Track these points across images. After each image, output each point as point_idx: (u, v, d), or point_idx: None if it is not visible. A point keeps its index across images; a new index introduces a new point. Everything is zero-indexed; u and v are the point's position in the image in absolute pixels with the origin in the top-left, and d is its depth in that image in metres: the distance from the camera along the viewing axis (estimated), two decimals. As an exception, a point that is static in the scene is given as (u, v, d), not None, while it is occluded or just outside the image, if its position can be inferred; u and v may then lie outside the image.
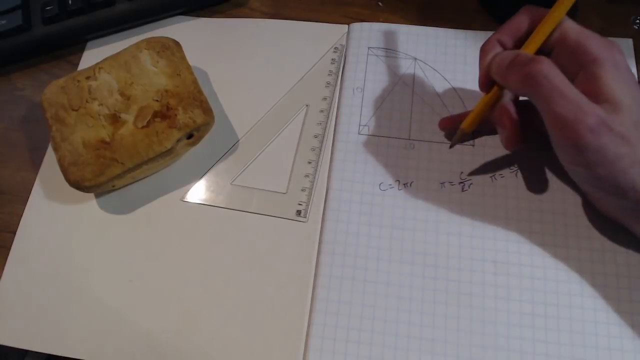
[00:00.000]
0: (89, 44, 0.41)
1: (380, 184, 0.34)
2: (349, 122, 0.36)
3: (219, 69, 0.39)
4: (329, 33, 0.39)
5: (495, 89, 0.30)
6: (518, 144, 0.30)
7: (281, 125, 0.37)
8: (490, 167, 0.34)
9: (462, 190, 0.33)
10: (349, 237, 0.32)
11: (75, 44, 0.41)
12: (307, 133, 0.36)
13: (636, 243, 0.31)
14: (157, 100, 0.33)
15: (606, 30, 0.37)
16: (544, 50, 0.28)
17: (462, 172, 0.34)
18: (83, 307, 0.32)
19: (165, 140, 0.32)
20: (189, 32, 0.40)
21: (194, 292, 0.32)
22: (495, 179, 0.33)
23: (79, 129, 0.33)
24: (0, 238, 0.35)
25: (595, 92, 0.26)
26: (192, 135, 0.34)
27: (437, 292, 0.31)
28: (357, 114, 0.36)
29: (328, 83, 0.38)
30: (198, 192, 0.35)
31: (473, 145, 0.35)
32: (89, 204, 0.35)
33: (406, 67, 0.37)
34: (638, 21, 0.37)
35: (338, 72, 0.38)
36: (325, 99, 0.37)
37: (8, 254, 0.34)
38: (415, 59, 0.38)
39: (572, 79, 0.26)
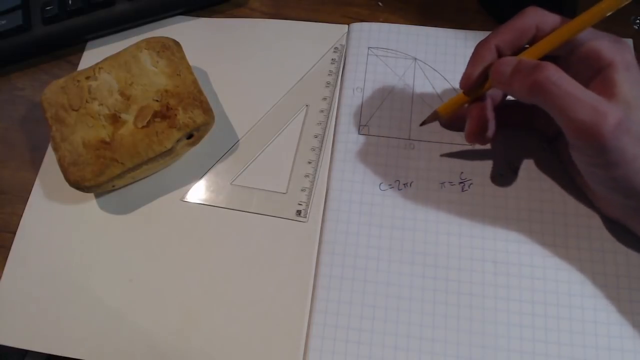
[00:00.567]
0: (89, 44, 0.41)
1: (380, 184, 0.34)
2: (349, 122, 0.36)
3: (219, 69, 0.39)
4: (329, 33, 0.39)
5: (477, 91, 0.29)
6: (477, 138, 0.30)
7: (281, 125, 0.37)
8: (490, 167, 0.34)
9: (462, 190, 0.33)
10: (349, 237, 0.32)
11: (75, 44, 0.41)
12: (307, 133, 0.36)
13: (636, 243, 0.31)
14: (157, 100, 0.33)
15: (606, 30, 0.37)
16: (549, 57, 0.28)
17: (462, 172, 0.34)
18: (83, 307, 0.32)
19: (165, 140, 0.32)
20: (189, 32, 0.40)
21: (194, 292, 0.32)
22: (495, 179, 0.33)
23: (79, 129, 0.33)
24: (0, 238, 0.35)
25: (609, 95, 0.25)
26: (192, 135, 0.34)
27: (437, 292, 0.31)
28: (357, 114, 0.36)
29: (328, 83, 0.38)
30: (198, 192, 0.35)
31: (473, 145, 0.35)
32: (89, 204, 0.35)
33: (406, 67, 0.37)
34: (638, 21, 0.37)
35: (338, 72, 0.38)
36: (325, 99, 0.37)
37: (8, 254, 0.34)
38: (415, 59, 0.38)
39: (585, 84, 0.26)
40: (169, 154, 0.33)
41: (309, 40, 0.39)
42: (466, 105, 0.30)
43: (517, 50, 0.28)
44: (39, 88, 0.40)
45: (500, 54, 0.28)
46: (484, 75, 0.29)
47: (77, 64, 0.40)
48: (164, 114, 0.33)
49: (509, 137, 0.34)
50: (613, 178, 0.26)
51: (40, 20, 0.39)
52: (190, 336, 0.31)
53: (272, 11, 0.41)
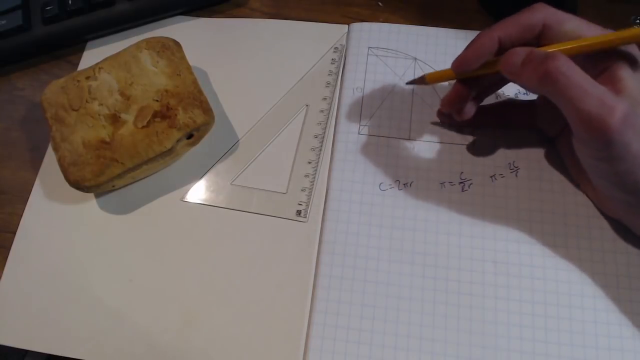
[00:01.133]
0: (89, 44, 0.41)
1: (380, 184, 0.34)
2: (349, 122, 0.36)
3: (219, 69, 0.39)
4: (329, 33, 0.39)
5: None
6: (451, 106, 0.30)
7: (281, 125, 0.37)
8: (490, 167, 0.34)
9: (462, 190, 0.33)
10: (349, 237, 0.32)
11: (75, 44, 0.41)
12: (307, 133, 0.36)
13: (637, 243, 0.31)
14: (157, 100, 0.33)
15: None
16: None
17: (462, 172, 0.34)
18: (83, 307, 0.32)
19: (165, 140, 0.32)
20: (189, 32, 0.40)
21: (194, 292, 0.32)
22: (495, 179, 0.33)
23: (79, 129, 0.33)
24: (0, 238, 0.35)
25: (615, 91, 0.26)
26: (192, 135, 0.34)
27: (437, 292, 0.31)
28: (357, 114, 0.36)
29: (328, 83, 0.38)
30: (198, 192, 0.35)
31: (473, 145, 0.35)
32: (89, 204, 0.35)
33: (406, 67, 0.37)
34: (638, 21, 0.37)
35: (338, 72, 0.38)
36: (325, 99, 0.37)
37: (8, 254, 0.34)
38: (415, 59, 0.38)
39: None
40: (169, 154, 0.33)
41: (309, 40, 0.39)
42: (451, 82, 0.31)
43: (520, 44, 0.28)
44: (39, 88, 0.40)
45: (501, 47, 0.28)
46: (478, 63, 0.28)
47: (77, 64, 0.40)
48: (164, 114, 0.33)
49: (509, 137, 0.34)
50: (616, 172, 0.26)
51: (40, 20, 0.39)
52: (190, 336, 0.31)
53: (272, 11, 0.41)
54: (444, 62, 0.37)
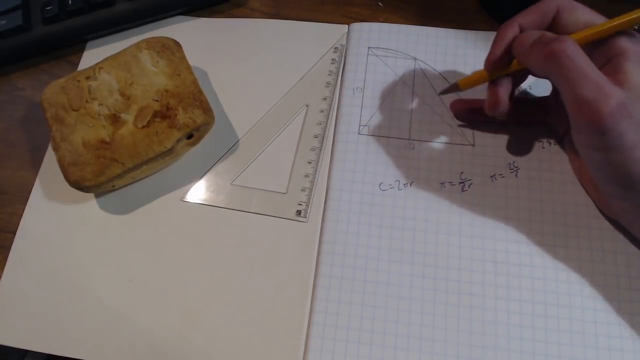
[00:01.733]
0: (89, 44, 0.41)
1: (380, 184, 0.34)
2: (349, 122, 0.36)
3: (219, 69, 0.39)
4: (329, 33, 0.39)
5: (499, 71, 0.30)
6: (495, 109, 0.30)
7: (281, 125, 0.37)
8: (490, 167, 0.34)
9: (462, 190, 0.33)
10: (349, 237, 0.32)
11: (75, 44, 0.41)
12: (307, 133, 0.36)
13: (637, 243, 0.31)
14: (157, 100, 0.33)
15: (606, 30, 0.37)
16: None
17: (462, 172, 0.34)
18: (83, 307, 0.32)
19: (165, 140, 0.32)
20: (189, 32, 0.40)
21: (194, 292, 0.32)
22: (495, 179, 0.33)
23: (79, 129, 0.33)
24: (0, 238, 0.35)
25: (618, 82, 0.26)
26: (192, 135, 0.34)
27: (437, 292, 0.31)
28: (357, 114, 0.36)
29: (328, 83, 0.38)
30: (198, 192, 0.35)
31: (473, 145, 0.35)
32: (89, 204, 0.35)
33: (406, 67, 0.37)
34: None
35: (338, 72, 0.38)
36: (325, 99, 0.37)
37: (8, 254, 0.34)
38: (415, 59, 0.38)
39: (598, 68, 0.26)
40: (169, 154, 0.33)
41: (309, 40, 0.39)
42: (486, 83, 0.31)
43: (540, 28, 0.29)
44: (39, 88, 0.40)
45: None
46: (508, 56, 0.29)
47: (77, 64, 0.40)
48: (164, 114, 0.33)
49: (509, 137, 0.35)
50: (610, 162, 0.26)
51: (40, 20, 0.39)
52: (190, 336, 0.31)
53: (272, 11, 0.41)
54: (444, 62, 0.37)
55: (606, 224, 0.31)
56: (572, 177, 0.33)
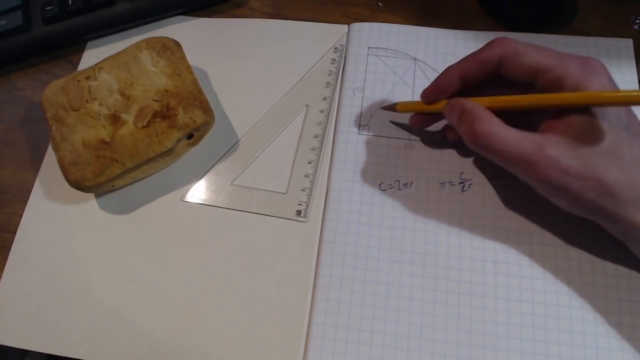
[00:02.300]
0: (89, 44, 0.41)
1: (380, 184, 0.34)
2: (349, 122, 0.36)
3: (219, 69, 0.39)
4: (329, 33, 0.39)
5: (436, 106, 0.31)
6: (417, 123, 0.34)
7: (281, 125, 0.37)
8: (490, 167, 0.34)
9: (462, 190, 0.33)
10: (349, 237, 0.32)
11: (75, 44, 0.41)
12: (307, 133, 0.36)
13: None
14: (157, 100, 0.33)
15: (606, 30, 0.37)
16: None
17: (462, 172, 0.34)
18: (83, 307, 0.32)
19: (165, 140, 0.32)
20: (189, 32, 0.40)
21: (194, 292, 0.32)
22: (495, 179, 0.33)
23: (79, 129, 0.33)
24: (0, 238, 0.35)
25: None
26: (192, 135, 0.34)
27: (437, 292, 0.31)
28: (357, 114, 0.36)
29: (328, 83, 0.38)
30: (198, 192, 0.35)
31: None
32: (89, 204, 0.35)
33: (406, 67, 0.37)
34: (638, 21, 0.37)
35: (338, 72, 0.38)
36: (325, 99, 0.37)
37: (8, 254, 0.34)
38: (415, 59, 0.38)
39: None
40: (169, 154, 0.33)
41: (309, 40, 0.39)
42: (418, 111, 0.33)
43: (482, 78, 0.29)
44: (39, 88, 0.40)
45: (464, 81, 0.30)
46: (440, 97, 0.31)
47: (77, 64, 0.40)
48: (164, 114, 0.33)
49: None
50: (566, 203, 0.28)
51: (40, 20, 0.39)
52: (190, 336, 0.31)
53: (272, 11, 0.41)
54: (444, 62, 0.37)
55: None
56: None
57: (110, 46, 0.40)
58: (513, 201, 0.33)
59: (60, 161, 0.32)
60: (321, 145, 0.36)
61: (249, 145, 0.36)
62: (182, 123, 0.33)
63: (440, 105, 0.30)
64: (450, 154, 0.34)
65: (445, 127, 0.35)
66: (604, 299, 0.30)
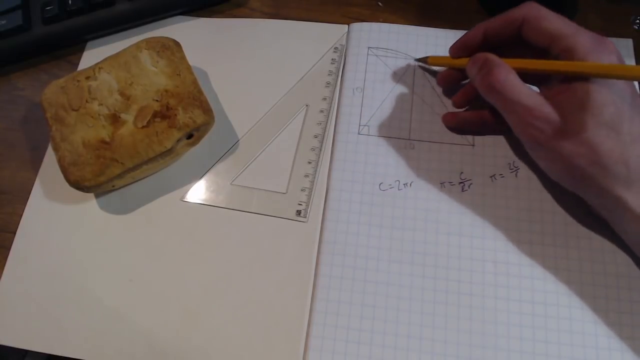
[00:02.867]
0: (89, 44, 0.41)
1: (380, 184, 0.34)
2: (349, 122, 0.36)
3: (219, 69, 0.39)
4: (329, 33, 0.39)
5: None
6: (444, 81, 0.36)
7: (281, 125, 0.37)
8: (490, 167, 0.34)
9: (462, 190, 0.33)
10: (349, 237, 0.32)
11: (75, 44, 0.41)
12: (307, 133, 0.36)
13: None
14: (157, 100, 0.33)
15: (606, 30, 0.37)
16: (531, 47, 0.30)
17: (462, 172, 0.34)
18: (83, 307, 0.32)
19: (165, 140, 0.32)
20: (189, 32, 0.40)
21: (194, 292, 0.32)
22: (495, 179, 0.33)
23: (79, 129, 0.33)
24: (0, 238, 0.35)
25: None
26: (192, 135, 0.34)
27: (437, 292, 0.31)
28: (357, 114, 0.36)
29: (328, 83, 0.38)
30: (198, 192, 0.35)
31: (473, 145, 0.35)
32: (89, 204, 0.35)
33: (406, 67, 0.37)
34: (638, 21, 0.37)
35: (338, 72, 0.38)
36: (325, 99, 0.37)
37: (8, 254, 0.34)
38: (415, 59, 0.38)
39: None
40: (169, 154, 0.33)
41: (309, 40, 0.39)
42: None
43: (504, 38, 0.30)
44: (39, 88, 0.40)
45: (487, 39, 0.31)
46: (465, 52, 0.32)
47: (77, 64, 0.40)
48: (164, 114, 0.33)
49: (509, 137, 0.35)
50: (559, 169, 0.29)
51: (40, 20, 0.39)
52: (190, 336, 0.31)
53: (272, 11, 0.41)
54: (444, 62, 0.37)
55: (606, 224, 0.31)
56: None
57: (110, 46, 0.40)
58: (513, 201, 0.33)
59: (60, 161, 0.32)
60: (321, 145, 0.36)
61: (249, 145, 0.36)
62: (182, 123, 0.33)
63: (465, 60, 0.32)
64: (450, 154, 0.34)
65: (455, 95, 0.35)
66: (604, 299, 0.30)
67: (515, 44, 0.30)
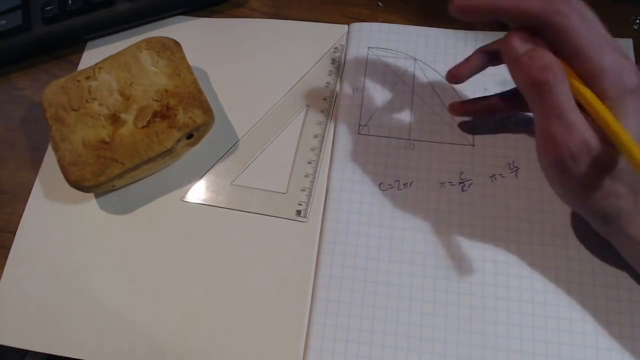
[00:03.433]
0: (89, 44, 0.41)
1: (380, 184, 0.34)
2: (349, 122, 0.36)
3: (219, 69, 0.39)
4: (329, 33, 0.39)
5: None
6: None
7: (281, 125, 0.37)
8: (490, 167, 0.34)
9: (462, 190, 0.33)
10: (349, 237, 0.32)
11: (75, 44, 0.41)
12: (307, 133, 0.36)
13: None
14: (157, 100, 0.33)
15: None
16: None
17: (462, 172, 0.34)
18: (83, 307, 0.32)
19: (165, 140, 0.32)
20: (189, 32, 0.40)
21: (194, 292, 0.32)
22: (495, 179, 0.33)
23: (79, 129, 0.33)
24: (0, 238, 0.35)
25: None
26: (192, 135, 0.34)
27: (437, 292, 0.31)
28: (357, 114, 0.36)
29: (328, 83, 0.38)
30: (198, 192, 0.35)
31: (473, 145, 0.35)
32: (89, 204, 0.35)
33: (406, 67, 0.37)
34: (638, 21, 0.37)
35: (338, 72, 0.38)
36: (325, 99, 0.37)
37: (8, 254, 0.34)
38: (415, 59, 0.38)
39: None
40: (169, 154, 0.33)
41: (309, 40, 0.39)
42: None
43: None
44: (39, 88, 0.40)
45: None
46: (492, 15, 0.27)
47: (77, 64, 0.40)
48: (164, 114, 0.33)
49: (509, 137, 0.35)
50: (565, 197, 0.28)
51: (40, 20, 0.39)
52: (190, 336, 0.31)
53: (272, 11, 0.41)
54: (444, 62, 0.37)
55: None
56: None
57: (110, 46, 0.40)
58: (513, 201, 0.33)
59: (60, 161, 0.32)
60: (321, 145, 0.36)
61: (248, 145, 0.36)
62: (182, 123, 0.33)
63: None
64: (450, 154, 0.34)
65: (451, 106, 0.35)
66: (604, 299, 0.30)
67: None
